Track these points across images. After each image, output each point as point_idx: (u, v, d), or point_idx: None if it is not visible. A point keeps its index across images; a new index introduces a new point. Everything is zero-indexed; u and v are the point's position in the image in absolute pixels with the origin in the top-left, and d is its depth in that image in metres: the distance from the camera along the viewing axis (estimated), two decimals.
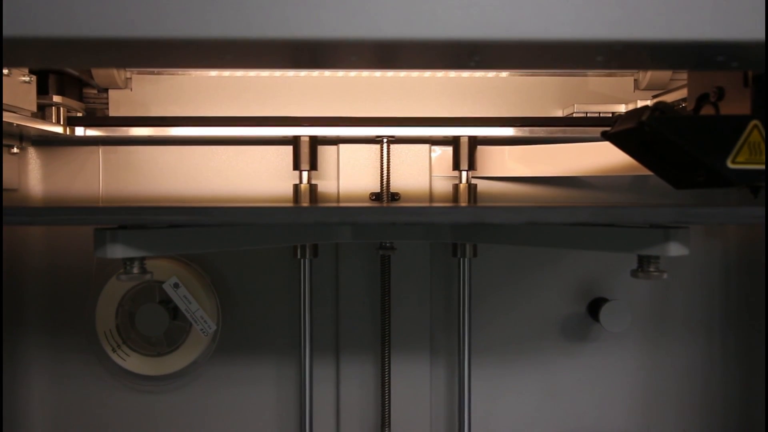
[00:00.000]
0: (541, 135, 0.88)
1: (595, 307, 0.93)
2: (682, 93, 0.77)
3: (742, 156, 0.47)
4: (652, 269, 0.57)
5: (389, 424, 0.90)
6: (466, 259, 0.88)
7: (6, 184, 0.86)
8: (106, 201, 0.93)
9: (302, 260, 0.88)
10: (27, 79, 0.72)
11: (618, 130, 0.54)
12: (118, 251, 0.54)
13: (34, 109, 0.75)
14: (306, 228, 0.69)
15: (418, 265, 0.92)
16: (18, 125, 0.80)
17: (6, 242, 0.85)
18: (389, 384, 0.90)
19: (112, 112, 0.92)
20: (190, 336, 0.90)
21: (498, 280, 0.95)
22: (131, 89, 0.93)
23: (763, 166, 0.48)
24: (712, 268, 0.96)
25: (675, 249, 0.54)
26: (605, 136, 0.58)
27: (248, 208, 0.50)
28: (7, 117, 0.72)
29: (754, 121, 0.48)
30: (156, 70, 0.92)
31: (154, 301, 0.89)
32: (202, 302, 0.89)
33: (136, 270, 0.56)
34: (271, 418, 0.95)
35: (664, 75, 0.88)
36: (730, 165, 0.47)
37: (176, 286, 0.89)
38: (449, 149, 0.91)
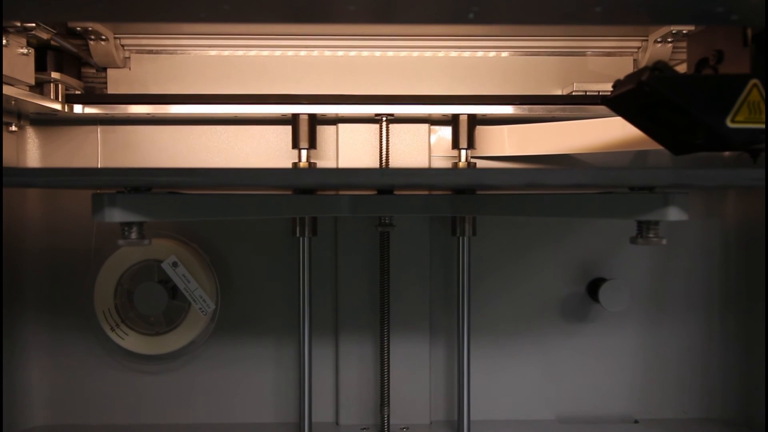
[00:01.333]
0: (540, 113, 0.88)
1: (594, 288, 0.93)
2: (682, 69, 0.77)
3: (741, 115, 0.47)
4: (651, 235, 0.56)
5: (388, 403, 0.89)
6: (465, 238, 0.88)
7: (4, 162, 0.86)
8: None
9: (301, 238, 0.88)
10: (25, 51, 0.72)
11: (617, 94, 0.53)
12: (116, 215, 0.53)
13: (32, 82, 0.75)
14: (306, 201, 0.69)
15: (417, 244, 0.92)
16: (16, 103, 0.80)
17: (5, 223, 0.85)
18: (388, 364, 0.90)
19: (111, 92, 0.92)
20: (188, 315, 0.90)
21: (497, 260, 0.95)
22: (129, 68, 0.93)
23: (762, 125, 0.47)
24: (711, 249, 0.96)
25: (674, 214, 0.54)
26: (605, 102, 0.58)
27: (246, 169, 0.49)
28: (6, 91, 0.72)
29: (754, 80, 0.47)
30: (155, 48, 0.92)
31: (153, 280, 0.89)
32: (201, 281, 0.89)
33: (134, 235, 0.56)
34: (269, 398, 0.95)
35: (663, 52, 0.88)
36: (729, 124, 0.47)
37: (175, 265, 0.89)
38: (448, 131, 0.90)
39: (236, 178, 0.49)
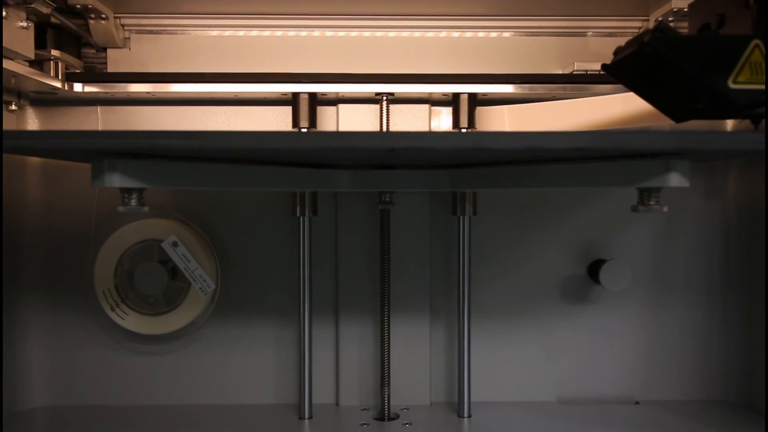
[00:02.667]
0: (540, 93, 0.88)
1: (594, 269, 0.92)
2: None
3: (743, 76, 0.47)
4: (652, 202, 0.56)
5: (389, 383, 0.89)
6: (465, 218, 0.88)
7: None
8: None
9: (301, 218, 0.88)
10: (24, 24, 0.72)
11: (619, 59, 0.53)
12: (116, 180, 0.53)
13: (32, 56, 0.75)
14: (306, 175, 0.69)
15: (417, 224, 0.92)
16: (16, 81, 0.80)
17: (5, 204, 0.85)
18: (389, 345, 0.90)
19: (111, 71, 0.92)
20: (188, 296, 0.90)
21: (498, 242, 0.95)
22: (129, 48, 0.92)
23: (763, 86, 0.47)
24: (712, 231, 0.95)
25: (675, 180, 0.54)
26: (605, 68, 0.57)
27: (245, 132, 0.49)
28: (6, 65, 0.72)
29: (756, 41, 0.47)
30: (155, 28, 0.92)
31: (153, 260, 0.89)
32: (201, 261, 0.89)
33: (134, 202, 0.56)
34: (269, 379, 0.94)
35: None
36: (731, 85, 0.47)
37: (175, 244, 0.89)
38: (448, 113, 0.90)
39: (235, 141, 0.49)
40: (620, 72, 0.56)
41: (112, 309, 0.90)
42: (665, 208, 0.56)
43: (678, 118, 0.55)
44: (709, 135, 0.49)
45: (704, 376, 0.96)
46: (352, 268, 0.93)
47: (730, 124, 0.85)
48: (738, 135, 0.49)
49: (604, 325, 0.95)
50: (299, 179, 0.68)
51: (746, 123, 0.55)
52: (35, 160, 0.92)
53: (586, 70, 0.88)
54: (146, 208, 0.56)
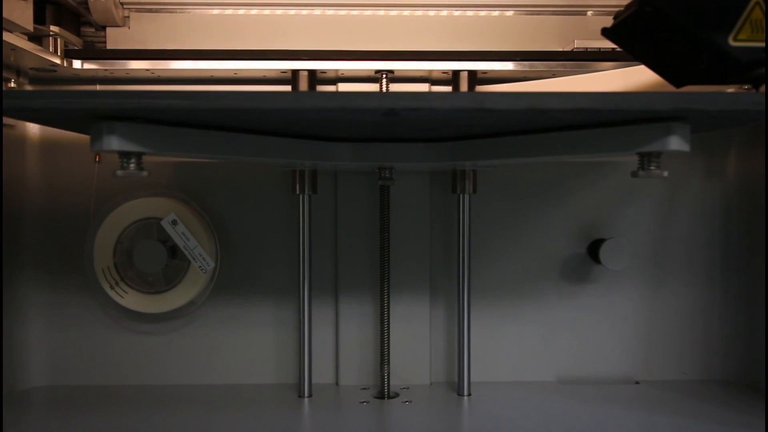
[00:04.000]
0: (540, 70, 0.87)
1: (594, 248, 0.92)
2: None
3: (743, 33, 0.47)
4: (653, 167, 0.56)
5: (388, 362, 0.89)
6: (465, 195, 0.88)
7: (4, 119, 0.86)
8: None
9: (301, 195, 0.87)
10: None
11: (619, 21, 0.53)
12: (114, 143, 0.53)
13: (31, 28, 0.74)
14: (306, 146, 0.69)
15: (417, 203, 0.92)
16: (15, 58, 0.80)
17: (5, 183, 0.85)
18: (388, 324, 0.89)
19: None
20: (188, 274, 0.90)
21: (498, 222, 0.95)
22: (129, 27, 0.92)
23: (763, 44, 0.47)
24: (712, 211, 0.95)
25: (675, 143, 0.54)
26: (605, 33, 0.57)
27: (245, 92, 0.49)
28: (6, 37, 0.71)
29: None
30: (154, 7, 0.92)
31: (152, 239, 0.89)
32: (201, 240, 0.89)
33: (132, 166, 0.55)
34: (269, 359, 0.94)
35: None
36: (732, 43, 0.47)
37: (174, 223, 0.89)
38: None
39: (233, 101, 0.49)
40: (620, 36, 0.56)
41: (112, 287, 0.90)
42: (665, 173, 0.56)
43: (678, 83, 0.55)
44: (709, 95, 0.49)
45: (704, 356, 0.96)
46: (351, 247, 0.92)
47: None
48: (738, 95, 0.49)
49: (604, 305, 0.95)
50: (299, 150, 0.68)
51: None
52: (35, 138, 0.92)
53: (586, 48, 0.88)
54: (145, 173, 0.56)
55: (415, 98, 0.49)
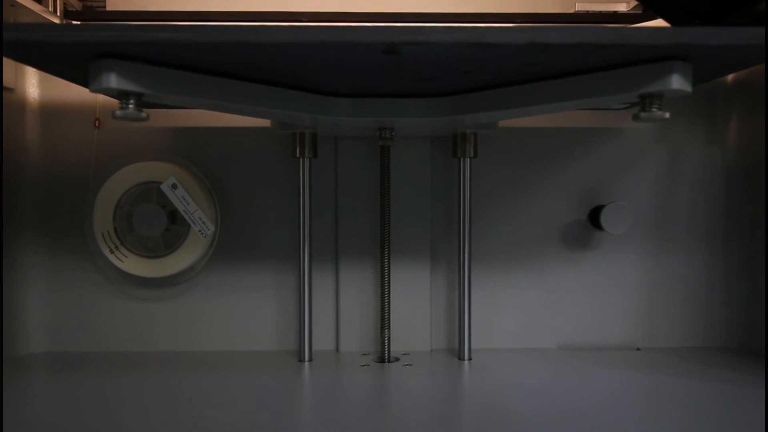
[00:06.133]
0: None
1: (595, 215, 0.92)
2: None
3: None
4: (654, 108, 0.56)
5: (389, 326, 0.89)
6: (466, 159, 0.87)
7: (3, 82, 0.86)
8: (104, 108, 0.92)
9: (301, 159, 0.87)
10: None
11: None
12: (113, 81, 0.53)
13: None
14: (306, 99, 0.69)
15: (418, 167, 0.92)
16: (14, 13, 0.80)
17: (4, 148, 0.85)
18: (389, 290, 0.89)
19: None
20: (188, 239, 0.90)
21: (499, 189, 0.94)
22: None
23: None
24: (713, 178, 0.95)
25: (677, 82, 0.53)
26: None
27: (245, 26, 0.49)
28: None
29: None
30: None
31: (152, 202, 0.88)
32: (201, 204, 0.88)
33: (132, 107, 0.55)
34: (269, 326, 0.94)
35: None
36: None
37: (174, 186, 0.88)
38: None
39: (233, 35, 0.49)
40: None
41: (111, 251, 0.90)
42: (667, 114, 0.56)
43: (676, 21, 0.55)
44: (710, 29, 0.49)
45: (706, 323, 0.95)
46: (352, 213, 0.92)
47: None
48: (739, 29, 0.49)
49: (605, 272, 0.95)
50: (299, 102, 0.68)
51: None
52: (34, 103, 0.92)
53: (587, 11, 0.87)
54: (144, 114, 0.56)
55: (416, 32, 0.49)
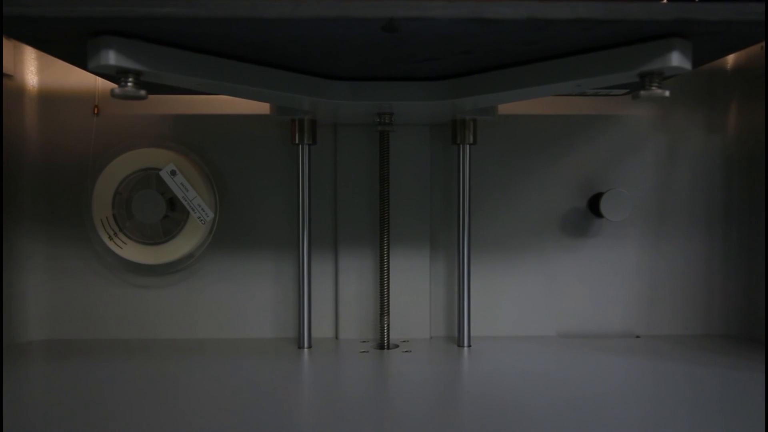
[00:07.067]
0: None
1: (595, 202, 0.92)
2: None
3: None
4: (654, 86, 0.56)
5: (388, 313, 0.88)
6: (465, 146, 0.87)
7: (4, 68, 0.86)
8: (103, 94, 0.92)
9: (300, 145, 0.87)
10: None
11: None
12: (111, 57, 0.53)
13: None
14: (305, 81, 0.69)
15: (418, 154, 0.91)
16: None
17: (4, 135, 0.85)
18: (388, 277, 0.89)
19: None
20: (186, 226, 0.90)
21: (498, 176, 0.94)
22: None
23: None
24: (713, 166, 0.95)
25: (677, 59, 0.53)
26: None
27: (242, 1, 0.49)
28: None
29: None
30: None
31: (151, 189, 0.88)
32: (200, 190, 0.88)
33: (130, 84, 0.55)
34: (268, 313, 0.94)
35: None
36: None
37: (173, 173, 0.88)
38: None
39: (231, 9, 0.49)
40: None
41: (110, 238, 0.89)
42: (667, 92, 0.56)
43: None
44: (709, 5, 0.49)
45: (705, 311, 0.95)
46: (351, 200, 0.92)
47: None
48: (738, 5, 0.49)
49: (604, 260, 0.95)
50: (298, 84, 0.68)
51: None
52: (33, 90, 0.92)
53: None
54: (143, 92, 0.56)
55: (415, 7, 0.49)
